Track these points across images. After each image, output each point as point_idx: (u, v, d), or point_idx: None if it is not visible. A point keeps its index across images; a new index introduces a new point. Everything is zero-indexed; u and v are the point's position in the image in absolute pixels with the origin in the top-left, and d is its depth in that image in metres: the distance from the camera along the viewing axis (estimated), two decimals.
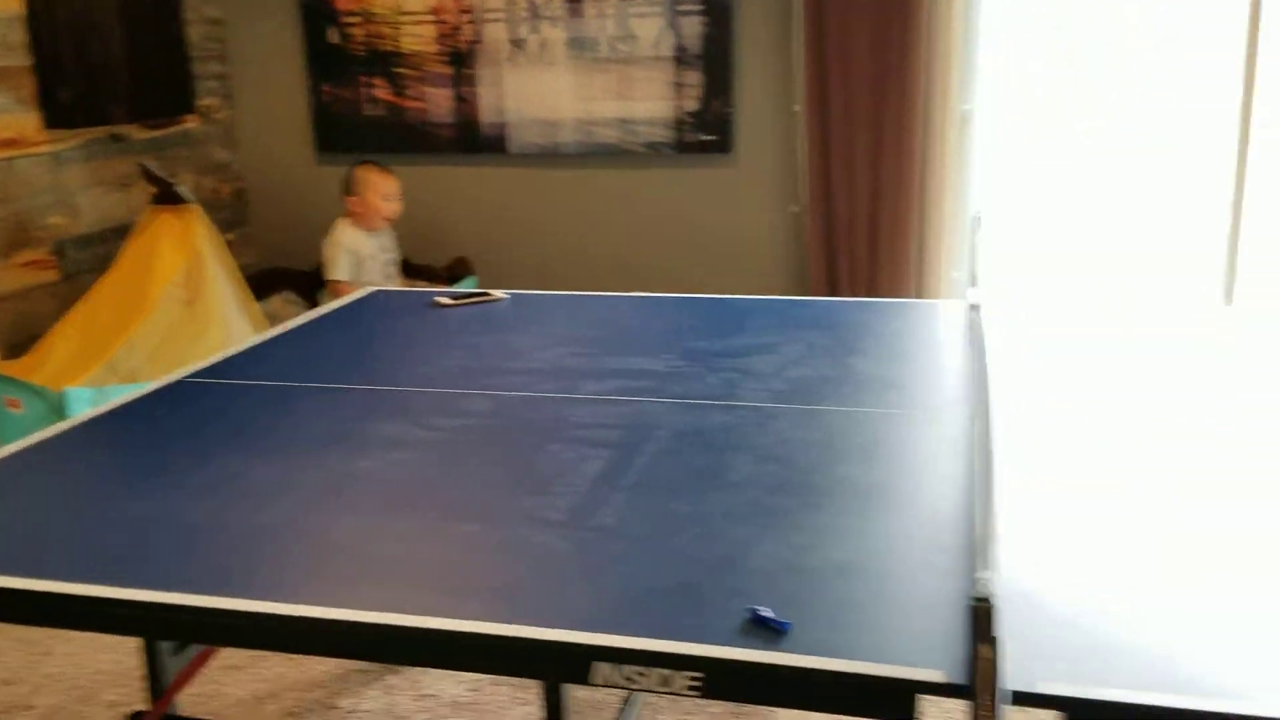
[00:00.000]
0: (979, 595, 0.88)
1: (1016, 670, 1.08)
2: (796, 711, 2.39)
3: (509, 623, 1.20)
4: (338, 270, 3.80)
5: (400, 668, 2.56)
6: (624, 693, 2.44)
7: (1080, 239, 4.04)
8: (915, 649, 1.12)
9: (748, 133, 4.13)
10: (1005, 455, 1.65)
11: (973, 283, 2.49)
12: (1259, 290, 3.79)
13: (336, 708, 2.46)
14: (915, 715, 1.08)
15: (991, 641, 0.88)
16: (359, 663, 2.61)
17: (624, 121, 4.19)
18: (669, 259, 4.29)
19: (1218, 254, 3.79)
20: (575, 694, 2.46)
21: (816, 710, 1.13)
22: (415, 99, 4.37)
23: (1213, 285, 3.82)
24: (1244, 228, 3.76)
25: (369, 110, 4.43)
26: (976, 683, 0.90)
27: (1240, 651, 1.12)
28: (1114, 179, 4.01)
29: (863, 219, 3.92)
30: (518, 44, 4.21)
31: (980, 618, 0.88)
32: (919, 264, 3.86)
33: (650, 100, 4.14)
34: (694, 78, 4.09)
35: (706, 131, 4.14)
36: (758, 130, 4.11)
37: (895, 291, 3.83)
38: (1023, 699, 1.05)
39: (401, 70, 4.36)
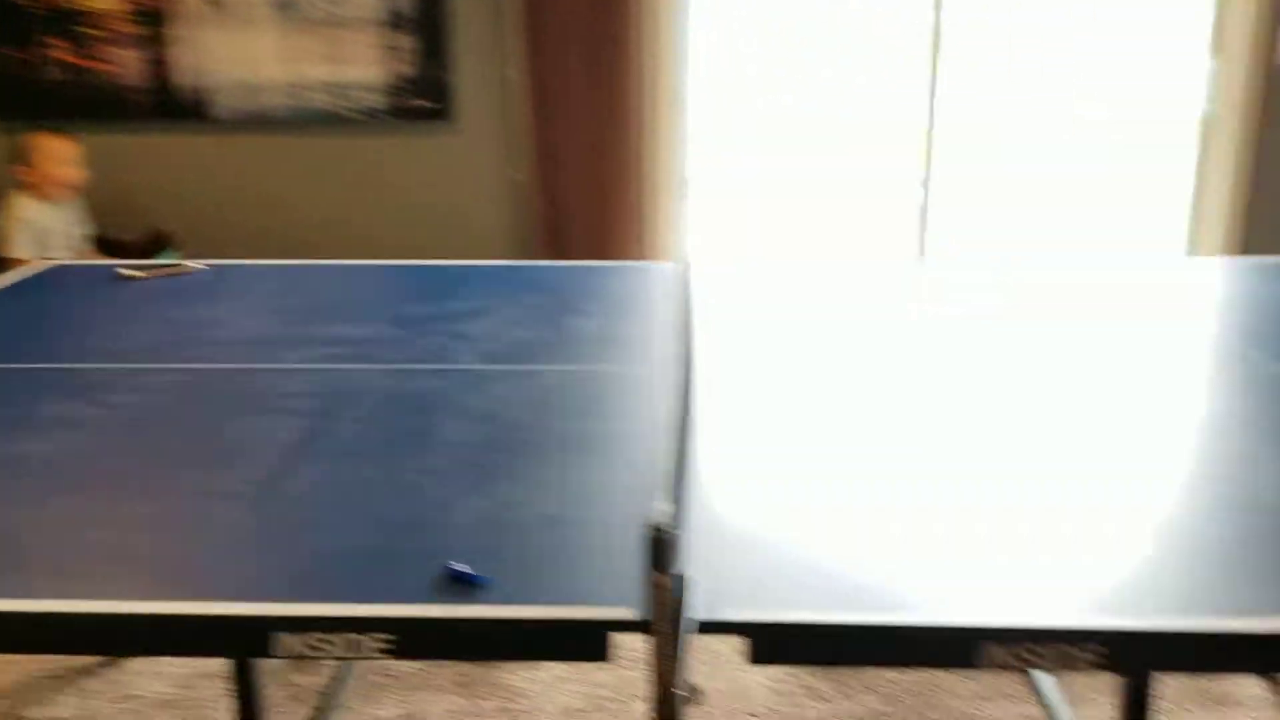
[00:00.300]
0: (655, 525, 0.89)
1: (708, 602, 1.10)
2: (526, 673, 2.40)
3: (182, 599, 1.12)
4: (15, 246, 3.46)
5: (97, 669, 2.37)
6: (335, 674, 2.37)
7: (785, 200, 4.24)
8: (615, 591, 1.12)
9: (468, 99, 4.06)
10: (709, 402, 1.69)
11: (685, 244, 2.55)
12: (948, 245, 4.09)
13: (24, 719, 2.25)
14: (608, 654, 1.09)
15: (667, 570, 0.89)
16: (47, 667, 2.40)
17: (335, 86, 4.03)
18: (389, 229, 4.17)
19: (912, 212, 4.06)
20: (294, 679, 2.36)
21: (515, 659, 1.11)
22: (102, 61, 4.03)
23: (908, 241, 4.09)
24: (933, 188, 4.04)
25: (49, 73, 4.05)
26: (654, 612, 0.91)
27: (922, 568, 1.19)
28: (815, 144, 4.22)
29: (585, 185, 3.94)
30: (215, 3, 3.96)
31: (656, 548, 0.89)
32: (639, 228, 3.92)
33: (362, 64, 4.00)
34: (408, 41, 3.98)
35: (424, 97, 4.04)
36: (478, 97, 4.05)
37: (619, 255, 3.88)
38: (709, 628, 1.08)
39: (86, 30, 4.01)
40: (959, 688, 2.29)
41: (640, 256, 3.91)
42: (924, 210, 4.03)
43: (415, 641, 1.08)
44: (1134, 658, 1.10)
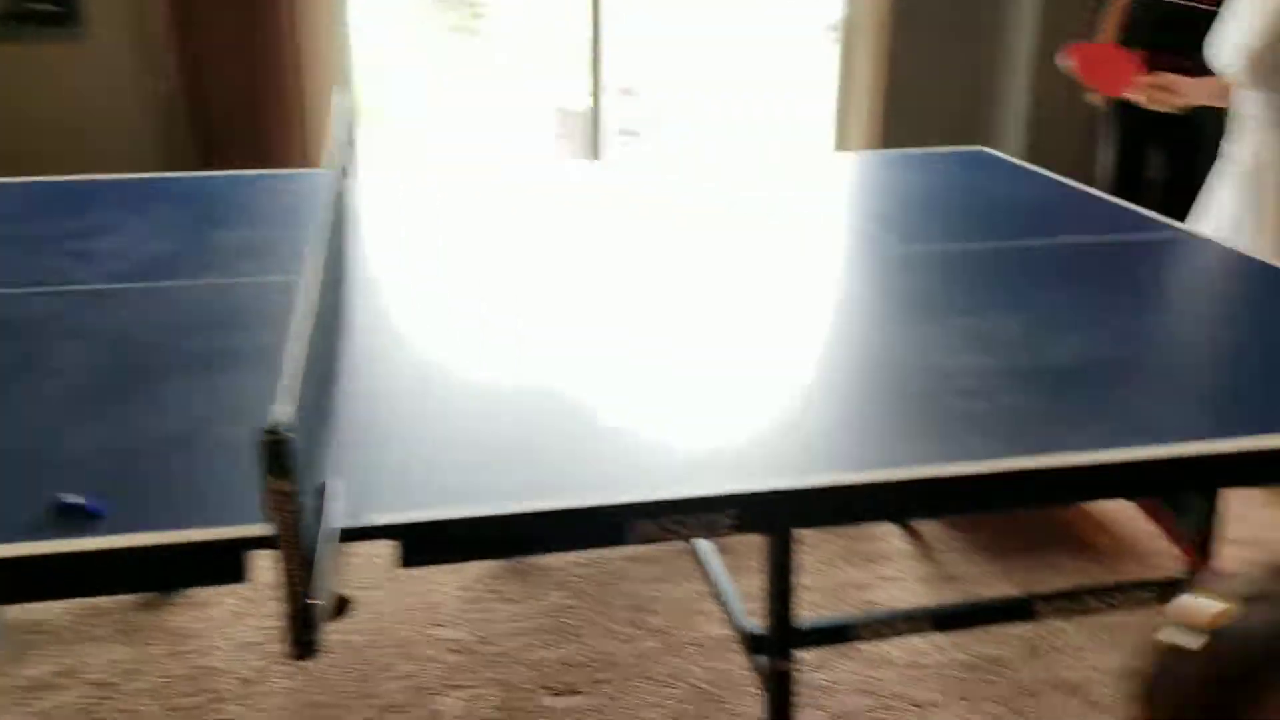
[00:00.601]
0: (270, 430, 0.84)
1: (357, 508, 1.06)
2: (196, 612, 2.27)
3: None
4: None
5: None
6: None
7: (449, 102, 4.15)
8: (254, 510, 1.06)
9: (97, 3, 3.66)
10: (365, 307, 1.63)
11: (343, 147, 2.44)
12: (622, 152, 4.16)
13: None
14: (246, 574, 1.03)
15: (287, 477, 0.85)
16: None
17: None
18: (9, 147, 3.73)
19: (585, 118, 4.08)
20: None
21: (144, 589, 1.03)
22: None
23: (582, 146, 4.11)
24: (604, 99, 4.07)
25: None
26: (277, 522, 0.86)
27: (573, 454, 1.19)
28: (481, 48, 4.15)
29: (237, 91, 3.68)
30: None
31: (271, 453, 0.84)
32: (303, 134, 3.72)
33: None
34: None
35: (45, 1, 3.61)
36: (111, 1, 3.66)
37: (281, 163, 3.67)
38: (353, 535, 1.04)
39: None
40: (639, 573, 2.38)
41: (305, 164, 3.71)
42: (595, 116, 4.06)
43: (19, 583, 0.98)
44: (769, 517, 1.17)
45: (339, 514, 1.04)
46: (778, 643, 1.48)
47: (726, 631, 2.06)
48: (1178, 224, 2.14)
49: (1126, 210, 2.30)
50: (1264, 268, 1.88)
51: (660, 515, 1.11)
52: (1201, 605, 0.52)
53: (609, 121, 4.05)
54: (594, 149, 4.04)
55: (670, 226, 2.15)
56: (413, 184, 2.50)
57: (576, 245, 2.01)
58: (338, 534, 1.01)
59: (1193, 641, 0.52)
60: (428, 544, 1.06)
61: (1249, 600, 0.51)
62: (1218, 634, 0.51)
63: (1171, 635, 0.53)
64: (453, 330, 1.57)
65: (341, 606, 1.02)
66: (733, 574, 2.23)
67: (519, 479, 1.14)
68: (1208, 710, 0.50)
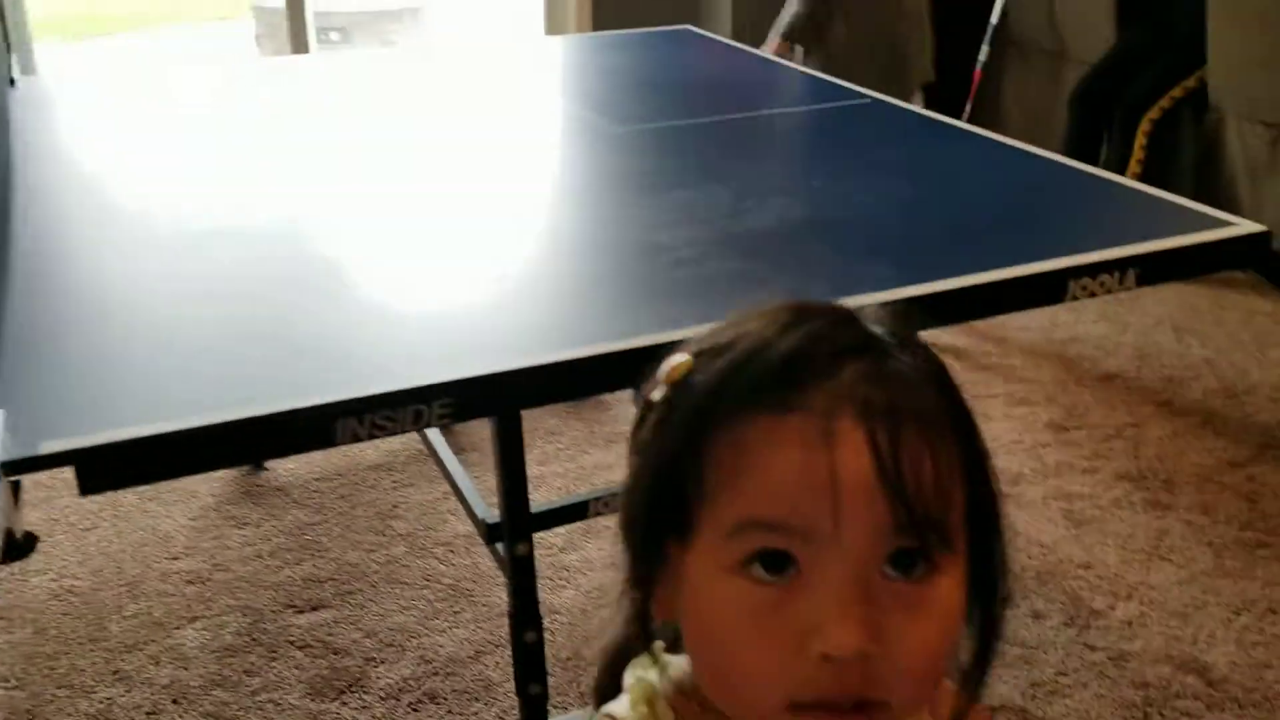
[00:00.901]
0: None
1: (24, 438, 0.97)
2: None
3: None
4: None
5: None
6: None
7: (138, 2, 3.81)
8: None
9: None
10: (37, 224, 1.48)
11: (10, 55, 2.20)
12: (327, 50, 3.94)
13: None
14: None
15: None
16: None
17: None
18: None
19: (284, 16, 3.84)
20: None
21: None
22: None
23: (287, 45, 3.88)
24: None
25: None
26: None
27: (272, 360, 1.13)
28: None
29: None
30: None
31: None
32: None
33: None
34: None
35: None
36: None
37: None
38: (21, 466, 0.95)
39: None
40: (381, 481, 2.33)
41: None
42: (297, 13, 3.82)
43: None
44: (483, 401, 1.15)
45: (2, 446, 0.95)
46: (513, 528, 1.48)
47: (471, 528, 2.06)
48: (871, 92, 2.23)
49: (823, 81, 2.38)
50: (946, 126, 1.99)
51: (365, 412, 1.07)
52: (671, 361, 0.56)
53: (312, 19, 3.83)
54: (298, 46, 3.82)
55: (380, 117, 2.06)
56: (95, 89, 2.29)
57: (274, 139, 1.90)
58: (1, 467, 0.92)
59: (659, 394, 0.55)
60: (106, 468, 0.98)
61: (701, 355, 0.55)
62: (675, 386, 0.55)
63: (648, 391, 0.56)
64: (134, 238, 1.45)
65: (24, 545, 0.94)
66: (479, 470, 2.23)
67: (212, 389, 1.07)
68: (666, 457, 0.54)
